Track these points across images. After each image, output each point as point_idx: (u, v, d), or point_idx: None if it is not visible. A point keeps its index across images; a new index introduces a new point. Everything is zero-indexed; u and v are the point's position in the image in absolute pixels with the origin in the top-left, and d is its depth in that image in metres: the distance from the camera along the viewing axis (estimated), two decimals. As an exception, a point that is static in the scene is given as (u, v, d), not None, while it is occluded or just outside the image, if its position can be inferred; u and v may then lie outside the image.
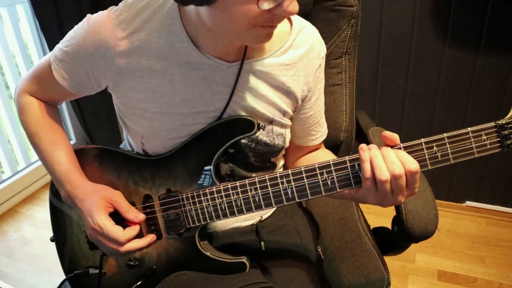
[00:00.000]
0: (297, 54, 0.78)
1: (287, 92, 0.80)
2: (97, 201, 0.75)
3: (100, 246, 0.78)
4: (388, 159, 0.63)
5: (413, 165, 0.62)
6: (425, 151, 0.64)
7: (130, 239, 0.75)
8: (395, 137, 0.65)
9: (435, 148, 0.64)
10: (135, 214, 0.77)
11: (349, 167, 0.67)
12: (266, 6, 0.57)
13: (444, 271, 1.65)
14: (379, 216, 1.20)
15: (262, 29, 0.63)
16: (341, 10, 1.08)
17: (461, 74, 1.68)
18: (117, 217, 0.76)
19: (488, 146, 0.63)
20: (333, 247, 0.98)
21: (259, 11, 0.58)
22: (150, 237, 0.78)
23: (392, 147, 0.65)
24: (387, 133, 0.66)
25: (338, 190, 0.68)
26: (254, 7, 0.58)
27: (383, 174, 0.63)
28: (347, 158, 0.67)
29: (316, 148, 0.94)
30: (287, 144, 0.86)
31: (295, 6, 0.59)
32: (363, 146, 0.66)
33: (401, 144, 0.65)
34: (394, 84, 1.80)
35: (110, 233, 0.73)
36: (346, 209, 1.06)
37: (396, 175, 0.62)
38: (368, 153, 0.64)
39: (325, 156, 0.93)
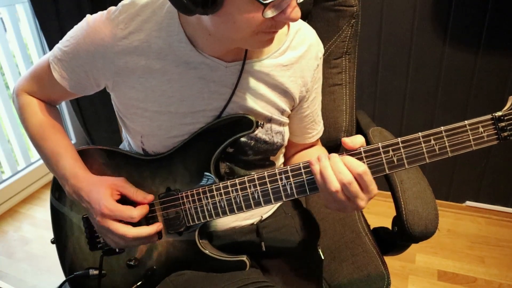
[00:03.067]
0: (294, 55, 0.79)
1: (284, 92, 0.80)
2: (104, 189, 0.76)
3: (108, 235, 0.77)
4: (336, 169, 0.64)
5: (359, 167, 0.63)
6: (423, 145, 0.64)
7: (143, 216, 0.76)
8: (354, 143, 0.66)
9: (432, 142, 0.64)
10: (143, 196, 0.78)
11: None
12: (269, 14, 0.58)
13: (444, 271, 1.64)
14: (379, 216, 1.20)
15: (265, 35, 0.64)
16: (341, 10, 1.08)
17: (461, 74, 1.68)
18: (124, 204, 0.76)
19: (486, 139, 0.63)
20: (333, 247, 0.98)
21: (263, 19, 0.59)
22: (156, 225, 0.78)
23: (352, 151, 0.66)
24: (346, 140, 0.66)
25: None
26: (258, 15, 0.58)
27: (333, 185, 0.64)
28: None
29: (312, 145, 0.95)
30: (286, 142, 0.87)
31: (297, 13, 0.60)
32: (312, 160, 0.67)
33: (362, 148, 0.66)
34: (394, 84, 1.80)
35: (123, 212, 0.74)
36: (346, 209, 1.06)
37: (346, 183, 0.63)
38: (318, 165, 0.66)
39: (320, 153, 0.93)
